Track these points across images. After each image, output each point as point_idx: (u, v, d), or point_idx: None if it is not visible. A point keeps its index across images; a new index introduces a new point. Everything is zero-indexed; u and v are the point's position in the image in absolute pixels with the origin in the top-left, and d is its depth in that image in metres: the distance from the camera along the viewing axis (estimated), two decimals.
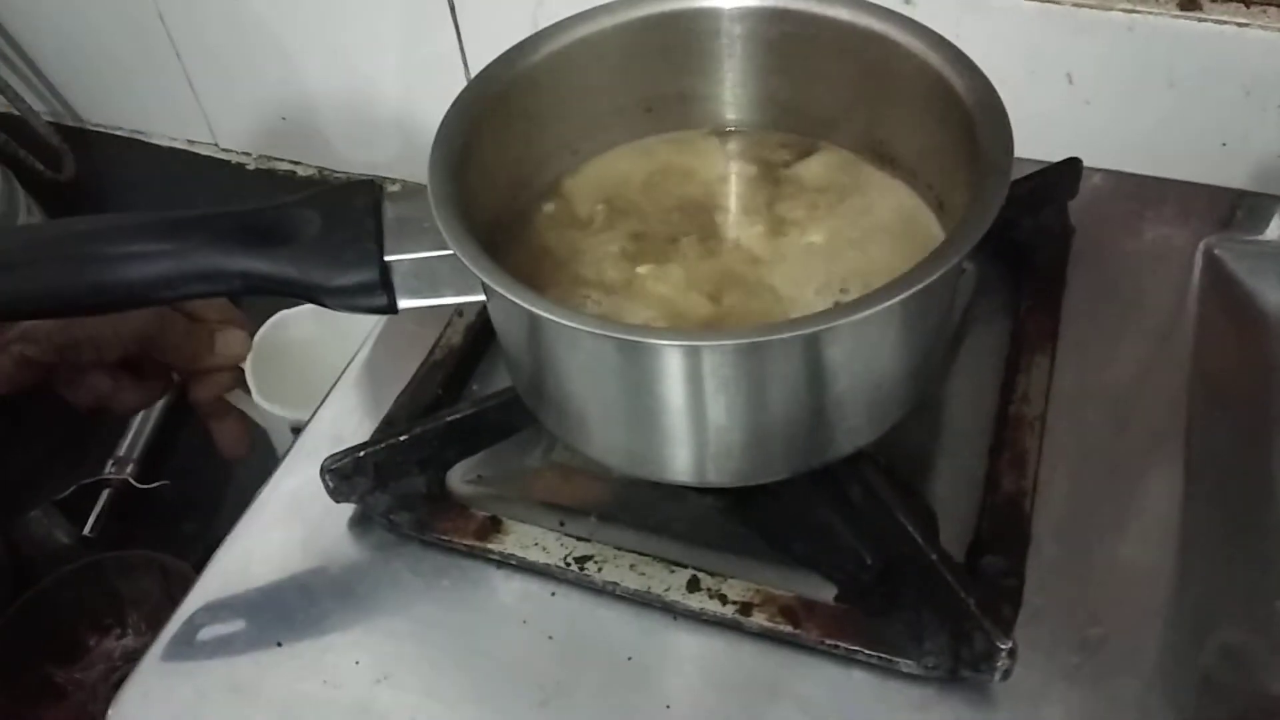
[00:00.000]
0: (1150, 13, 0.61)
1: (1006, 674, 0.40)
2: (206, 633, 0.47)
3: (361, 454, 0.48)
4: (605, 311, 0.45)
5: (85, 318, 0.49)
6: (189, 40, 0.93)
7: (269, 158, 1.00)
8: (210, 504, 0.84)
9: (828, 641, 0.43)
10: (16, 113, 0.97)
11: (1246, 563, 0.47)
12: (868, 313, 0.35)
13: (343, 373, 0.57)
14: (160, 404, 0.89)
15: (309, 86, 0.91)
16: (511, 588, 0.47)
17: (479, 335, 0.56)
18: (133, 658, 0.64)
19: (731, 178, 0.51)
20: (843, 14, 0.46)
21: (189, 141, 1.02)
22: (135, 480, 0.85)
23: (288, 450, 0.54)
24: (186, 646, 0.47)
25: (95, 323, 0.49)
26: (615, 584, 0.46)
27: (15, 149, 0.94)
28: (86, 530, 0.83)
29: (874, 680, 0.43)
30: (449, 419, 0.49)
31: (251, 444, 0.58)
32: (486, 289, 0.40)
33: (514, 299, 0.37)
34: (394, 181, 0.94)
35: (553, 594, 0.47)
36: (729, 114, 0.52)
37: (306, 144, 0.97)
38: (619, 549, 0.47)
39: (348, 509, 0.50)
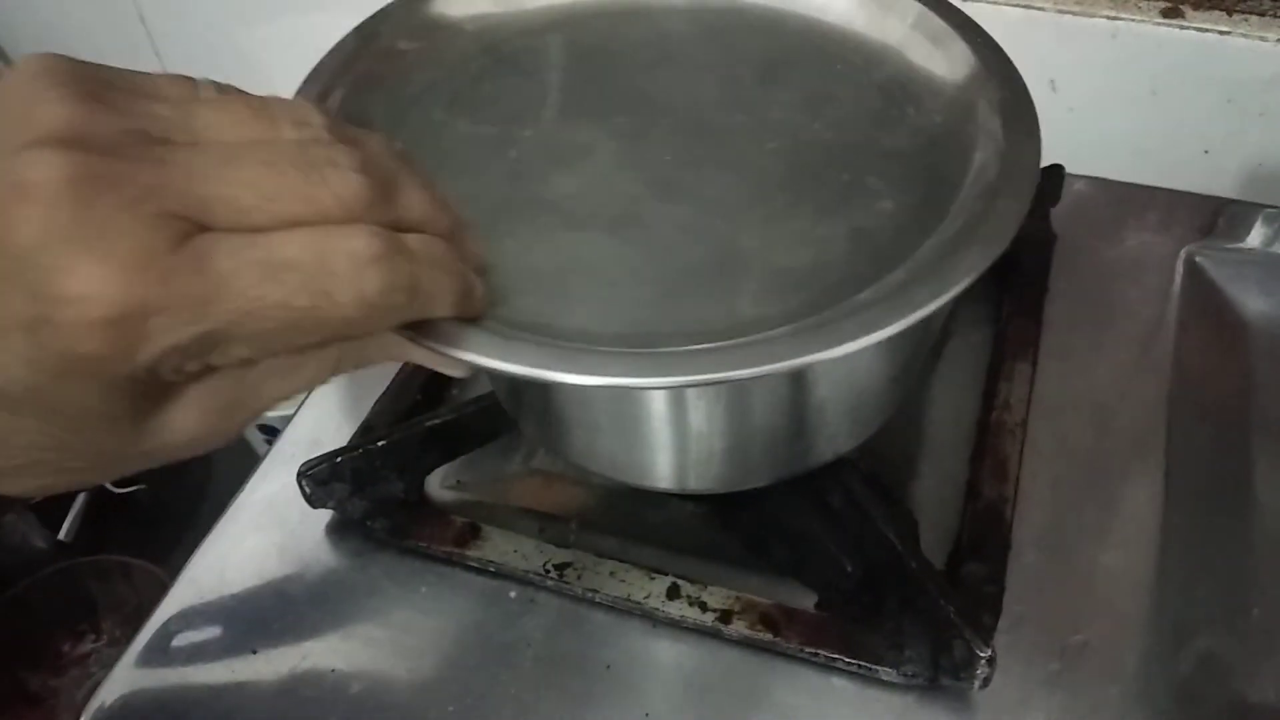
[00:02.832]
0: (1133, 20, 0.61)
1: (986, 682, 0.40)
2: (181, 639, 0.47)
3: (339, 459, 0.47)
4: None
5: None
6: (169, 40, 0.92)
7: None
8: (187, 509, 0.83)
9: (808, 649, 0.43)
10: None
11: (1226, 570, 0.47)
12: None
13: None
14: None
15: (289, 86, 0.91)
16: (490, 595, 0.47)
17: None
18: (107, 664, 0.64)
19: None
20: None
21: None
22: (111, 484, 0.84)
23: (265, 455, 0.53)
24: (161, 653, 0.46)
25: None
26: (595, 591, 0.45)
27: None
28: (62, 535, 0.82)
29: (854, 688, 0.42)
30: (428, 424, 0.49)
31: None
32: None
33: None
34: None
35: (532, 601, 0.46)
36: None
37: None
38: (599, 556, 0.46)
39: (325, 515, 0.49)
